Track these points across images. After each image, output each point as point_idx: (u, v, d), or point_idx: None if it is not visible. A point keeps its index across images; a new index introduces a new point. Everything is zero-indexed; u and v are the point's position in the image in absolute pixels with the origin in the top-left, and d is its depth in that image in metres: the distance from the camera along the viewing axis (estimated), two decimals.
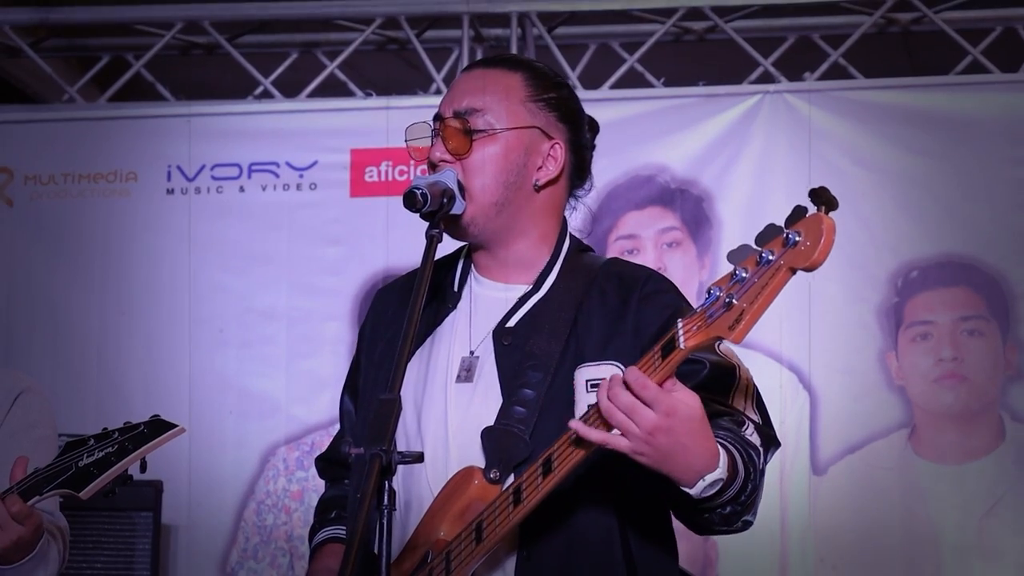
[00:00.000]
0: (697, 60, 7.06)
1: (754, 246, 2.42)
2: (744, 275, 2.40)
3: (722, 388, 2.83)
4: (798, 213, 2.37)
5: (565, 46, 6.89)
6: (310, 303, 6.67)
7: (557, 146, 3.00)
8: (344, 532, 3.10)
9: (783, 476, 6.18)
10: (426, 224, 2.85)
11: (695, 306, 2.57)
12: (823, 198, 2.35)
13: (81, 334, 6.73)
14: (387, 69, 7.29)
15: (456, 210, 2.87)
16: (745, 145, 6.49)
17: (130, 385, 6.63)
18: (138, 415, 6.38)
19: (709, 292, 2.45)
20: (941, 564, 6.16)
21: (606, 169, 6.53)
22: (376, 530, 2.49)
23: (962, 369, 6.22)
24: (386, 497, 2.47)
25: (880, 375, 6.29)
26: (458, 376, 2.93)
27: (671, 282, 3.01)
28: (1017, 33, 6.62)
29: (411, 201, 2.81)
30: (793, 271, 2.37)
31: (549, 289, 2.96)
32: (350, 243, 6.69)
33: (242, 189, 6.76)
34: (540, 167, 2.99)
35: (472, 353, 2.94)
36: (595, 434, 2.58)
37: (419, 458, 2.56)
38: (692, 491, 2.61)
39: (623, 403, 2.54)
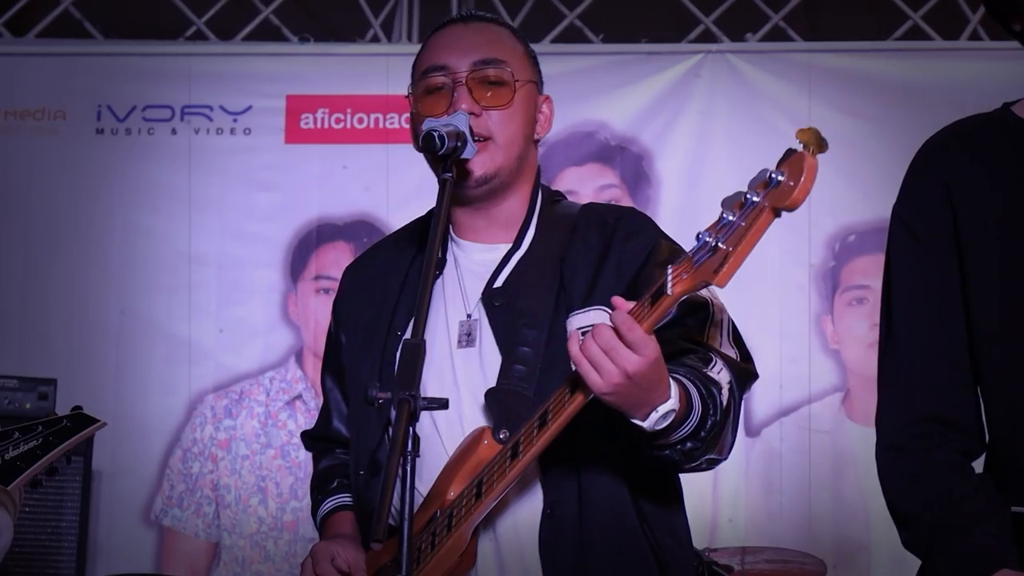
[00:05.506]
0: (636, 17, 7.00)
1: (745, 190, 2.38)
2: (730, 219, 2.38)
3: (697, 323, 2.83)
4: (787, 154, 2.34)
5: None
6: (242, 250, 6.58)
7: (548, 101, 3.04)
8: (349, 499, 3.08)
9: None
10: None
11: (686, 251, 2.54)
12: (810, 137, 2.32)
13: (4, 275, 6.58)
14: (323, 15, 7.18)
15: (467, 154, 2.83)
16: (686, 104, 6.48)
17: (55, 329, 6.52)
18: (63, 360, 6.31)
19: (698, 238, 2.43)
20: (870, 527, 6.19)
21: None
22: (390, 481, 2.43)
23: None
24: (410, 443, 2.42)
25: (816, 338, 6.32)
26: (459, 341, 2.91)
27: (647, 217, 3.01)
28: (956, 0, 6.62)
29: (429, 143, 2.77)
30: (776, 212, 2.33)
31: (530, 244, 2.95)
32: (283, 190, 6.60)
33: (174, 132, 6.64)
34: (537, 121, 3.01)
35: (469, 317, 2.92)
36: (574, 347, 2.53)
37: (444, 404, 2.52)
38: (645, 424, 2.58)
39: (605, 342, 2.49)
